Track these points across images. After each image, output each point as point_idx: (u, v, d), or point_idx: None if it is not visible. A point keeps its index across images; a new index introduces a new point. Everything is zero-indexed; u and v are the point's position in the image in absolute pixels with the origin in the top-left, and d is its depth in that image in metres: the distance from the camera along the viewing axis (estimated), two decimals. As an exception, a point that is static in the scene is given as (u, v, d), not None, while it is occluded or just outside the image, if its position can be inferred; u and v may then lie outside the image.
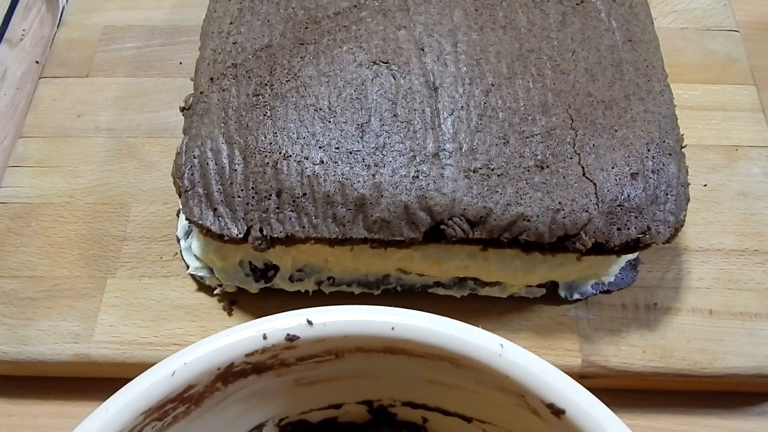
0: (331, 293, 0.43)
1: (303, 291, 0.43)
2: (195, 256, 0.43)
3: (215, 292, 0.43)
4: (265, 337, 0.29)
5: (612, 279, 0.43)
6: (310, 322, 0.29)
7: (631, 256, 0.43)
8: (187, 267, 0.43)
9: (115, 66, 0.55)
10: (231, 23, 0.43)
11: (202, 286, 0.44)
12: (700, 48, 0.56)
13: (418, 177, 0.36)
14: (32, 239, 0.46)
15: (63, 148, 0.50)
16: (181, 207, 0.40)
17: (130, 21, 0.58)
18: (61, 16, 0.59)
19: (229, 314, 0.43)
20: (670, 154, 0.38)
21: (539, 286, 0.42)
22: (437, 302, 0.43)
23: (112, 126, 0.51)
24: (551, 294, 0.43)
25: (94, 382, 0.42)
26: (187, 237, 0.44)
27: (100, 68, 0.55)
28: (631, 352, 0.42)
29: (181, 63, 0.55)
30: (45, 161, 0.50)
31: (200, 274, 0.43)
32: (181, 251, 0.44)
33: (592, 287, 0.43)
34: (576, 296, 0.43)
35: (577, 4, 0.43)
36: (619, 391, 0.43)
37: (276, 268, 0.42)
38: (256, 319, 0.42)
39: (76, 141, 0.51)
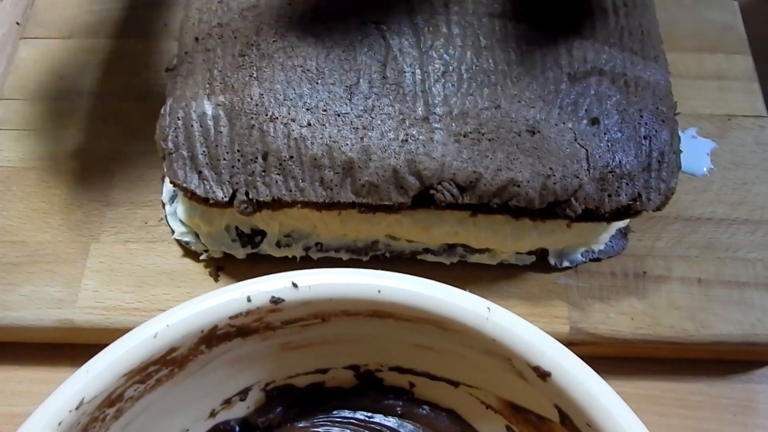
0: (319, 259, 0.43)
1: (291, 257, 0.43)
2: (180, 221, 0.42)
3: (201, 257, 0.43)
4: (249, 300, 0.29)
5: (602, 247, 0.43)
6: (295, 285, 0.29)
7: (621, 224, 0.43)
8: (173, 232, 0.43)
9: (98, 27, 0.53)
10: (216, -17, 0.42)
11: (188, 252, 0.44)
12: (696, 16, 0.55)
13: (407, 141, 0.36)
14: (14, 204, 0.45)
15: (45, 112, 0.49)
16: (165, 170, 0.40)
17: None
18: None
19: (216, 280, 0.43)
20: (663, 121, 0.38)
21: (529, 253, 0.42)
22: (426, 269, 0.42)
23: (96, 89, 0.50)
24: (541, 261, 0.43)
25: (78, 348, 0.42)
26: (173, 202, 0.43)
27: (83, 29, 0.53)
28: (620, 319, 0.42)
29: (166, 25, 0.54)
30: (26, 124, 0.49)
31: (186, 239, 0.42)
32: (166, 216, 0.43)
33: (582, 255, 0.43)
34: (566, 264, 0.42)
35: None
36: (607, 358, 0.43)
37: (263, 234, 0.41)
38: (242, 284, 0.41)
39: (58, 104, 0.50)
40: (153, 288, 0.42)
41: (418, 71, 0.38)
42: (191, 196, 0.37)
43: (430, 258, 0.43)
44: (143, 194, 0.46)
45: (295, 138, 0.36)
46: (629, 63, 0.39)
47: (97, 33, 0.53)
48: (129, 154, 0.47)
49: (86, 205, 0.45)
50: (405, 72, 0.38)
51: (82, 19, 0.54)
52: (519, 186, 0.35)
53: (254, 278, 0.30)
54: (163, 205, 0.44)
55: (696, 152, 0.48)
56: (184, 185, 0.37)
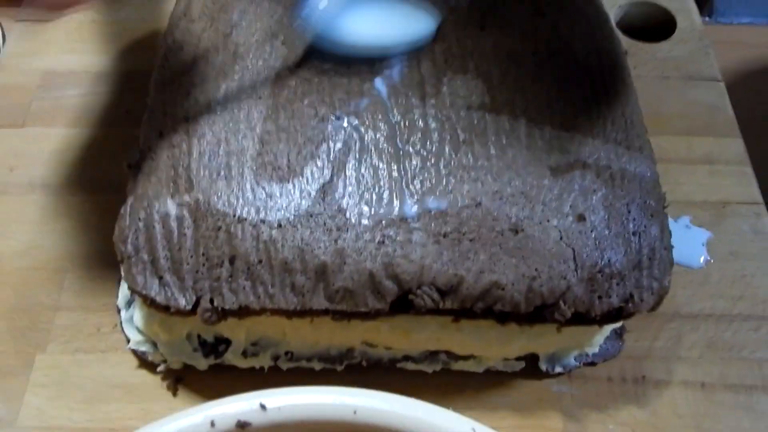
0: (289, 370, 0.43)
1: (258, 367, 0.43)
2: (137, 328, 0.42)
3: (159, 369, 0.43)
4: (213, 425, 0.29)
5: (596, 350, 0.43)
6: (263, 407, 0.29)
7: (615, 325, 0.43)
8: (128, 341, 0.43)
9: (54, 115, 0.55)
10: (183, 73, 0.44)
11: (144, 363, 0.43)
12: (683, 98, 0.59)
13: (383, 242, 0.37)
14: (-48, 308, 0.45)
15: (-8, 206, 0.50)
16: (123, 274, 0.40)
17: (73, 66, 0.58)
18: (-5, 59, 0.60)
19: (174, 394, 0.42)
20: (652, 216, 0.40)
21: (518, 359, 0.43)
22: (407, 378, 0.43)
23: (49, 181, 0.51)
24: (531, 367, 0.43)
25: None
26: (129, 307, 0.43)
27: (38, 117, 0.55)
28: (620, 431, 0.42)
29: (127, 112, 0.55)
30: (-30, 220, 0.49)
31: (142, 348, 0.42)
32: (121, 323, 0.43)
33: (575, 359, 0.43)
34: (558, 369, 0.43)
35: (552, 56, 0.45)
36: (607, 474, 0.43)
37: (228, 342, 0.41)
38: (204, 400, 0.41)
39: (7, 198, 0.50)
40: (104, 404, 0.42)
41: (394, 168, 0.39)
42: (151, 303, 0.37)
43: (410, 366, 0.43)
44: (96, 298, 0.46)
45: (265, 240, 0.37)
46: (613, 155, 0.41)
47: (53, 121, 0.55)
48: (82, 253, 0.48)
49: (33, 309, 0.45)
50: (381, 169, 0.39)
51: (37, 106, 0.55)
52: (503, 289, 0.36)
53: (218, 399, 0.30)
54: (119, 310, 0.44)
55: (691, 243, 0.50)
56: (144, 292, 0.37)
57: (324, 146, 0.40)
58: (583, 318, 0.37)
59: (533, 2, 0.48)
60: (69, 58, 0.59)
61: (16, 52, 0.59)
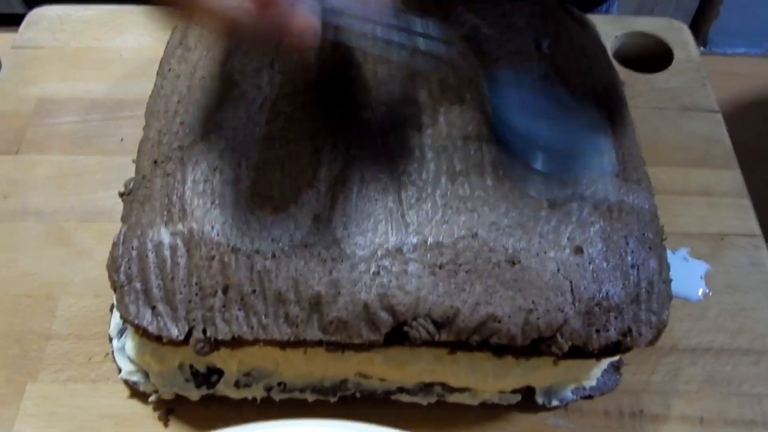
0: (282, 401, 0.42)
1: (250, 398, 0.42)
2: (129, 358, 0.42)
3: (150, 399, 0.42)
4: (203, 459, 0.29)
5: (593, 383, 0.43)
6: (255, 441, 0.29)
7: (613, 358, 0.43)
8: (120, 370, 0.43)
9: (48, 142, 0.55)
10: (179, 102, 0.45)
11: (136, 393, 0.43)
12: (680, 129, 0.59)
13: (379, 273, 0.37)
14: (-58, 337, 0.45)
15: (-15, 233, 0.50)
16: (115, 303, 0.40)
17: (68, 93, 0.59)
18: (-9, 86, 0.60)
19: (165, 425, 0.42)
20: (650, 248, 0.40)
21: (514, 391, 0.42)
22: (401, 410, 0.42)
23: (42, 208, 0.51)
24: (527, 400, 0.43)
25: (5, 507, 0.41)
26: (121, 336, 0.43)
27: (32, 144, 0.55)
28: (617, 465, 0.42)
29: (122, 140, 0.56)
30: (-38, 247, 0.49)
31: (134, 378, 0.42)
32: (113, 352, 0.43)
33: (572, 392, 0.43)
34: (555, 403, 0.43)
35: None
36: None
37: (220, 373, 0.41)
38: (195, 430, 0.41)
39: (0, 225, 0.50)
40: (96, 435, 0.42)
41: (390, 198, 0.39)
42: (143, 333, 0.37)
43: (405, 398, 0.43)
44: (88, 327, 0.46)
45: (259, 271, 0.37)
46: (611, 187, 0.41)
47: (48, 148, 0.55)
48: (75, 281, 0.48)
49: (24, 338, 0.45)
50: (376, 199, 0.39)
51: (31, 132, 0.56)
52: (499, 322, 0.36)
53: (211, 431, 0.30)
54: (110, 339, 0.44)
55: (689, 275, 0.50)
56: (136, 321, 0.37)
57: (319, 176, 0.40)
58: (580, 352, 0.37)
59: (531, 34, 0.49)
60: (64, 86, 0.59)
61: (11, 78, 0.60)
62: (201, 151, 0.42)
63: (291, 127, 0.42)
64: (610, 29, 0.65)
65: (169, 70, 0.47)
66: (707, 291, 0.49)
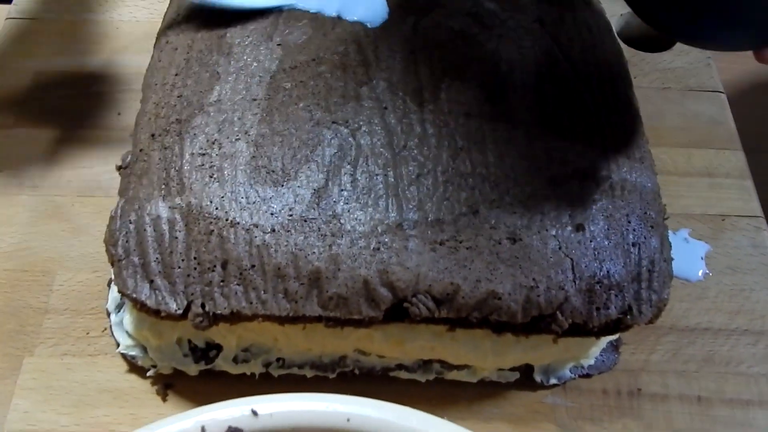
0: (281, 377, 0.43)
1: (249, 374, 0.43)
2: (127, 332, 0.42)
3: (148, 374, 0.43)
4: (203, 431, 0.29)
5: (592, 362, 0.44)
6: (254, 413, 0.29)
7: (612, 337, 0.44)
8: (117, 345, 0.43)
9: (44, 116, 0.55)
10: (176, 74, 0.44)
11: (134, 367, 0.43)
12: (683, 109, 0.59)
13: (379, 249, 0.37)
14: (-62, 310, 0.45)
15: (-21, 207, 0.50)
16: (113, 277, 0.40)
17: (63, 66, 0.58)
18: (-15, 58, 0.60)
19: (164, 400, 0.43)
20: (652, 227, 0.40)
21: (512, 369, 0.43)
22: (400, 387, 0.43)
23: (38, 183, 0.51)
24: (526, 378, 0.43)
25: (3, 479, 0.41)
26: (119, 311, 0.43)
27: (28, 118, 0.55)
28: (614, 444, 0.42)
29: (119, 114, 0.56)
30: (-43, 221, 0.49)
31: (132, 353, 0.42)
32: (111, 327, 0.44)
33: (570, 371, 0.43)
34: (553, 381, 0.43)
35: (552, 65, 0.45)
36: (601, 488, 0.43)
37: (218, 348, 0.42)
38: (193, 406, 0.41)
39: (-5, 199, 0.51)
40: (93, 408, 0.42)
41: (390, 174, 0.39)
42: (141, 307, 0.37)
43: (403, 375, 0.43)
44: (85, 301, 0.46)
45: (258, 245, 0.37)
46: (614, 165, 0.41)
47: (43, 122, 0.55)
48: (71, 255, 0.48)
49: (21, 312, 0.45)
50: (377, 174, 0.39)
51: (27, 106, 0.56)
52: (500, 299, 0.37)
53: (209, 405, 0.30)
54: (108, 314, 0.44)
55: (690, 256, 0.50)
56: (134, 295, 0.37)
57: (319, 150, 0.40)
58: (580, 329, 0.38)
59: (534, 11, 0.49)
60: (60, 59, 0.59)
61: (6, 51, 0.59)
62: (199, 124, 0.42)
63: (291, 101, 0.42)
64: (614, 8, 0.64)
65: (167, 42, 0.47)
66: (707, 272, 0.50)
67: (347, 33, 0.46)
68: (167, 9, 0.49)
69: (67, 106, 0.56)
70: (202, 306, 0.37)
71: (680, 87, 0.61)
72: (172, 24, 0.48)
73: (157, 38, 0.48)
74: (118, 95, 0.57)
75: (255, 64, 0.44)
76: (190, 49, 0.46)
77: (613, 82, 0.46)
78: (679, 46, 0.64)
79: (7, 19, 0.61)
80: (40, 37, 0.60)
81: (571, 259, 0.38)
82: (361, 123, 0.41)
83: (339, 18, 0.47)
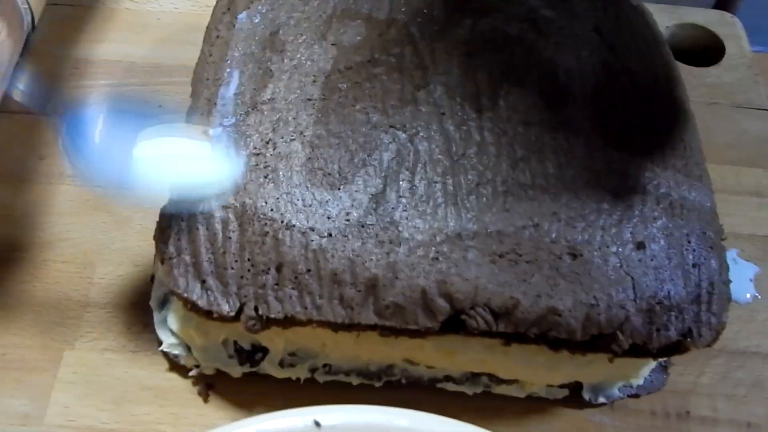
0: (326, 383, 0.42)
1: (294, 378, 0.42)
2: (171, 330, 0.42)
3: (191, 373, 0.42)
4: (264, 440, 0.28)
5: (641, 381, 0.43)
6: (317, 424, 0.29)
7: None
8: (160, 343, 0.42)
9: (86, 104, 0.55)
10: (228, 70, 0.44)
11: (175, 366, 0.43)
12: (732, 126, 0.58)
13: (437, 259, 0.36)
14: (-23, 299, 0.45)
15: (20, 195, 0.49)
16: (160, 274, 0.40)
17: (105, 55, 0.58)
18: (25, 43, 0.59)
19: (205, 401, 0.42)
20: (711, 248, 0.39)
21: (561, 386, 0.42)
22: (445, 399, 0.42)
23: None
24: (574, 396, 0.43)
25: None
26: (162, 308, 0.43)
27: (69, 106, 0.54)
28: (662, 466, 0.42)
29: (160, 106, 0.55)
30: (-2, 208, 0.49)
31: (175, 352, 0.42)
32: (153, 324, 0.43)
33: (619, 390, 0.43)
34: (601, 399, 0.43)
35: (610, 75, 0.45)
36: None
37: (264, 351, 0.41)
38: (236, 408, 0.41)
39: (36, 187, 0.50)
40: (133, 406, 0.41)
41: (449, 181, 0.39)
42: (192, 307, 0.37)
43: (450, 387, 0.43)
44: (126, 296, 0.46)
45: (314, 249, 0.37)
46: (673, 182, 0.41)
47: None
48: (112, 248, 0.47)
49: (61, 304, 0.45)
50: (435, 182, 0.39)
51: (68, 94, 0.55)
52: (560, 315, 0.36)
53: (268, 414, 0.30)
54: (151, 310, 0.44)
55: (739, 277, 0.49)
56: (185, 295, 0.37)
57: (376, 154, 0.40)
58: (640, 350, 0.37)
59: (591, 19, 0.48)
60: (102, 48, 0.58)
61: (46, 37, 0.59)
62: (253, 123, 0.41)
63: (347, 102, 0.42)
64: (661, 19, 0.63)
65: (217, 36, 0.46)
66: (756, 294, 0.49)
67: (402, 34, 0.46)
68: (216, 2, 0.49)
69: (108, 96, 0.55)
70: (255, 309, 0.36)
71: (728, 103, 0.60)
72: (222, 17, 0.47)
73: (207, 31, 0.47)
74: (159, 87, 0.56)
75: (309, 63, 0.44)
76: (242, 44, 0.45)
77: (670, 95, 0.46)
78: (726, 61, 0.63)
79: (48, 4, 0.61)
80: (80, 24, 0.60)
81: (632, 277, 0.37)
82: (419, 128, 0.41)
83: (393, 19, 0.46)
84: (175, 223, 0.38)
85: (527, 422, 0.43)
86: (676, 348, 0.37)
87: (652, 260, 0.38)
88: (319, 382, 0.42)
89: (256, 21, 0.46)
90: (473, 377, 0.42)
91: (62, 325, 0.44)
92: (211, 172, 0.39)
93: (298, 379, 0.42)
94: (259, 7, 0.47)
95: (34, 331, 0.44)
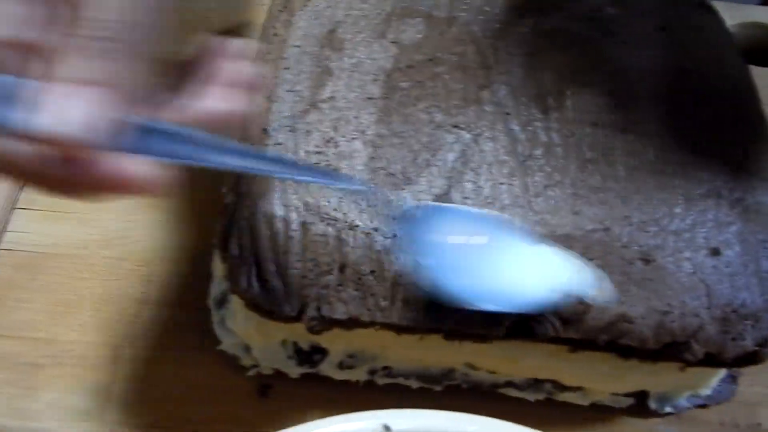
0: (384, 386, 0.42)
1: (352, 380, 0.42)
2: (230, 330, 0.42)
3: (249, 373, 0.42)
4: (334, 444, 0.28)
5: (709, 392, 0.42)
6: (387, 428, 0.28)
7: (733, 367, 0.42)
8: (218, 342, 0.42)
9: (142, 102, 0.55)
10: (286, 68, 0.44)
11: (231, 365, 0.43)
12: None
13: (505, 262, 0.36)
14: (38, 294, 0.45)
15: (80, 192, 0.50)
16: (221, 273, 0.40)
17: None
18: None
19: (263, 400, 0.42)
20: (788, 254, 0.38)
21: (627, 395, 0.41)
22: (507, 405, 0.41)
23: (138, 170, 0.51)
24: (639, 405, 0.42)
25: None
26: (220, 307, 0.43)
27: (126, 103, 0.55)
28: (731, 480, 0.40)
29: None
30: (57, 205, 0.49)
31: (234, 351, 0.42)
32: (211, 323, 0.43)
33: (686, 400, 0.42)
34: (668, 409, 0.41)
35: (681, 75, 0.43)
36: None
37: (324, 352, 0.41)
38: (293, 409, 0.41)
39: (94, 184, 0.50)
40: (191, 405, 0.42)
41: (516, 183, 0.38)
42: (254, 307, 0.37)
43: (512, 392, 0.42)
44: (184, 294, 0.46)
45: (378, 250, 0.36)
46: (748, 186, 0.39)
47: (142, 108, 0.55)
48: (171, 247, 0.48)
49: (120, 301, 0.45)
50: (501, 183, 0.38)
51: (126, 91, 0.56)
52: (631, 322, 0.35)
53: (337, 416, 0.29)
54: (209, 309, 0.44)
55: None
56: (248, 295, 0.37)
57: (440, 154, 0.39)
58: (714, 360, 0.36)
59: (657, 18, 0.47)
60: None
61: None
62: (313, 121, 0.41)
63: (409, 102, 0.41)
64: (724, 18, 0.62)
65: (274, 34, 0.46)
66: (827, 303, 0.47)
67: (464, 33, 0.45)
68: (272, 0, 0.49)
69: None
70: (318, 309, 0.36)
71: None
72: (279, 15, 0.47)
73: (264, 29, 0.47)
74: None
75: (369, 61, 0.43)
76: (300, 42, 0.45)
77: (741, 96, 0.44)
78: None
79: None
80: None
81: (707, 284, 0.36)
82: (484, 128, 0.40)
83: (454, 17, 0.46)
84: (236, 222, 0.38)
85: (592, 431, 0.42)
86: (752, 358, 0.36)
87: (726, 267, 0.37)
88: (378, 385, 0.42)
89: (314, 19, 0.46)
90: (536, 383, 0.41)
91: (121, 322, 0.44)
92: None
93: (357, 381, 0.42)
94: (317, 5, 0.47)
95: (94, 327, 0.44)
